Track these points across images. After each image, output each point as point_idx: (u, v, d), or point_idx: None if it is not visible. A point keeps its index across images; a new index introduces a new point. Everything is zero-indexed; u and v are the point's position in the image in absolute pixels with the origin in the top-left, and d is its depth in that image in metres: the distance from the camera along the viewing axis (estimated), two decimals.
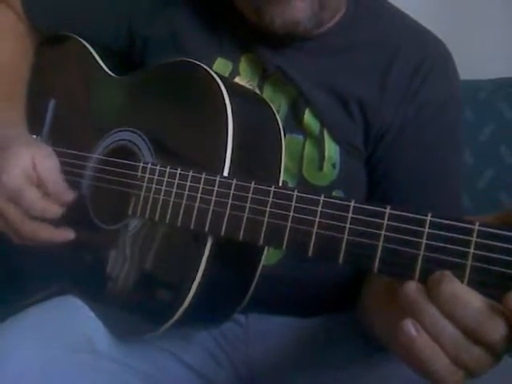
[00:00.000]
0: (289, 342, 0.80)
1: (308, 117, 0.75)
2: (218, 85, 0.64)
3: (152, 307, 0.66)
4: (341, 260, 0.46)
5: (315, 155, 0.75)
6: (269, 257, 0.76)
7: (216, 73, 0.67)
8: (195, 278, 0.61)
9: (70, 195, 0.74)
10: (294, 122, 0.76)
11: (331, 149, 0.75)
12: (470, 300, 0.39)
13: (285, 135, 0.73)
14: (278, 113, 0.75)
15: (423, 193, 0.74)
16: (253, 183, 0.55)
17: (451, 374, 0.40)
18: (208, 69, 0.67)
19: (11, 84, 0.88)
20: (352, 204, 0.46)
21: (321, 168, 0.75)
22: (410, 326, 0.40)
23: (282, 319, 0.81)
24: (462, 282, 0.40)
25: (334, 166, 0.75)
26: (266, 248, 0.75)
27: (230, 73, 0.78)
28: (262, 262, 0.68)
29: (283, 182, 0.74)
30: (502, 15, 1.16)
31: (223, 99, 0.63)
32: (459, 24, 1.17)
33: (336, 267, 0.73)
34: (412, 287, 0.42)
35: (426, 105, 0.75)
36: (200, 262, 0.61)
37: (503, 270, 0.38)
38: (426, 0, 1.18)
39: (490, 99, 1.07)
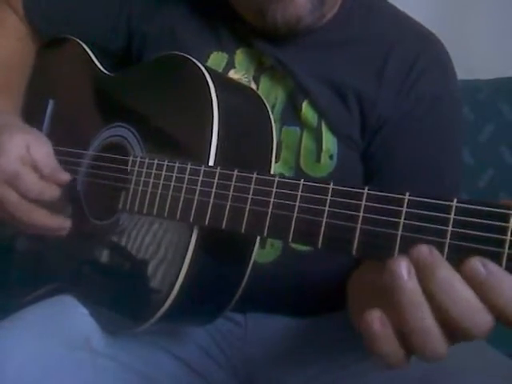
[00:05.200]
0: (287, 341, 0.79)
1: (306, 109, 0.75)
2: (205, 76, 0.64)
3: (140, 301, 0.66)
4: (320, 244, 0.45)
5: (313, 147, 0.75)
6: (266, 255, 0.76)
7: (204, 65, 0.67)
8: (181, 271, 0.60)
9: (65, 176, 0.74)
10: (292, 114, 0.76)
11: (329, 141, 0.75)
12: (462, 291, 0.38)
13: (282, 127, 0.74)
14: (275, 105, 0.76)
15: (417, 187, 0.73)
16: (236, 171, 0.54)
17: (401, 362, 0.41)
18: (195, 61, 0.67)
19: (9, 76, 0.90)
20: (331, 186, 0.45)
21: (318, 160, 0.75)
22: (375, 319, 0.40)
23: (281, 319, 0.80)
24: None
25: (331, 157, 0.75)
26: (264, 247, 0.76)
27: (226, 65, 0.79)
28: (252, 258, 0.67)
29: (281, 174, 0.74)
30: (501, 15, 1.16)
31: (209, 91, 0.63)
32: (459, 24, 1.17)
33: (334, 265, 0.73)
34: (404, 263, 0.39)
35: (422, 99, 0.74)
36: (185, 254, 0.60)
37: (482, 247, 0.37)
38: (427, 0, 1.18)
39: (490, 99, 1.06)
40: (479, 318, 0.38)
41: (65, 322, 0.71)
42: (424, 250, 0.39)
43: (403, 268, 0.39)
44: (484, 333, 0.38)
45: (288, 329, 0.80)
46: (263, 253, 0.76)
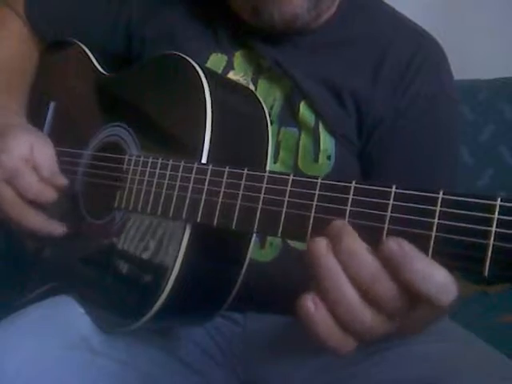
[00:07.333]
0: (286, 340, 0.79)
1: (303, 109, 0.75)
2: (199, 75, 0.64)
3: (134, 298, 0.66)
4: (307, 239, 0.45)
5: (311, 147, 0.75)
6: (265, 254, 0.76)
7: (199, 64, 0.67)
8: (174, 269, 0.60)
9: (63, 180, 0.75)
10: (290, 114, 0.76)
11: (326, 141, 0.75)
12: (366, 257, 0.40)
13: (280, 128, 0.75)
14: (273, 106, 0.76)
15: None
16: (227, 168, 0.54)
17: (343, 344, 0.41)
18: (190, 60, 0.67)
19: (13, 77, 0.91)
20: (319, 181, 0.45)
21: (316, 160, 0.75)
22: (309, 301, 0.41)
23: (280, 318, 0.80)
24: (427, 253, 0.38)
25: (329, 158, 0.75)
26: (264, 246, 0.75)
27: (224, 67, 0.79)
28: (248, 256, 0.67)
29: None
30: (501, 15, 1.16)
31: (203, 89, 0.63)
32: (459, 24, 1.17)
33: None
34: (320, 241, 0.41)
35: (417, 98, 0.75)
36: (178, 252, 0.60)
37: (468, 239, 0.36)
38: (427, 0, 1.18)
39: (490, 99, 1.06)
40: (386, 284, 0.39)
41: (64, 322, 0.71)
42: (337, 224, 0.42)
43: (320, 245, 0.41)
44: (391, 300, 0.39)
45: (287, 328, 0.79)
46: (262, 252, 0.76)
